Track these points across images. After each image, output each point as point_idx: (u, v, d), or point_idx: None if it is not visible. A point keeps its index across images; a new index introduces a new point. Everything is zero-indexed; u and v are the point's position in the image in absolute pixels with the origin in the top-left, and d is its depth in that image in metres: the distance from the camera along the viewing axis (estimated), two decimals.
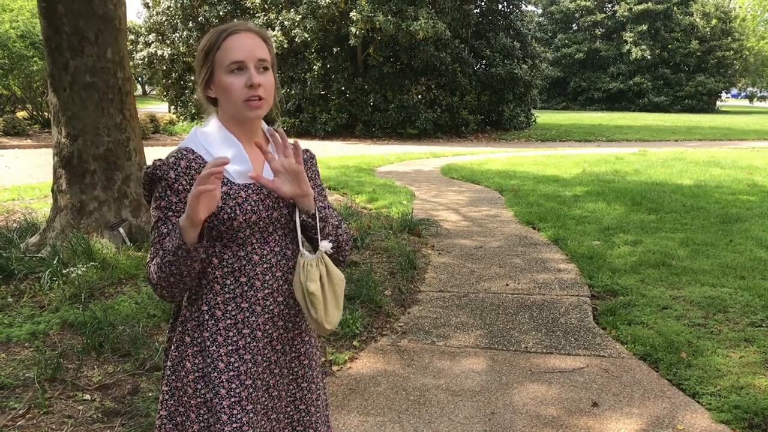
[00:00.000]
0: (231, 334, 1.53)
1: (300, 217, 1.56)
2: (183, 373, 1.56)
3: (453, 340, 3.86)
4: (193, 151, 1.53)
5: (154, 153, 9.42)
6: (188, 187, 1.49)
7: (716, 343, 3.74)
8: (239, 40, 1.50)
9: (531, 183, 10.05)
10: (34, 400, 2.94)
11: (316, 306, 1.52)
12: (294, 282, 1.56)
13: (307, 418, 1.68)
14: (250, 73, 1.48)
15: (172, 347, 1.60)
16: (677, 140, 20.85)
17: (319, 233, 1.57)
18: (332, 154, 14.59)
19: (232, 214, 1.49)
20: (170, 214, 1.49)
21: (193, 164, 1.51)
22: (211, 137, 1.55)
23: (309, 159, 1.71)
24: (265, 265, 1.54)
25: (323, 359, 3.53)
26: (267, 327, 1.57)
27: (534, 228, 6.97)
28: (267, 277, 1.54)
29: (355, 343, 3.78)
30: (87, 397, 3.03)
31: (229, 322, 1.53)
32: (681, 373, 3.37)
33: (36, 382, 3.09)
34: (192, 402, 1.54)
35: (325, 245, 1.55)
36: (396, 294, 4.67)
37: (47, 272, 4.41)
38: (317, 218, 1.57)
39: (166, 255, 1.44)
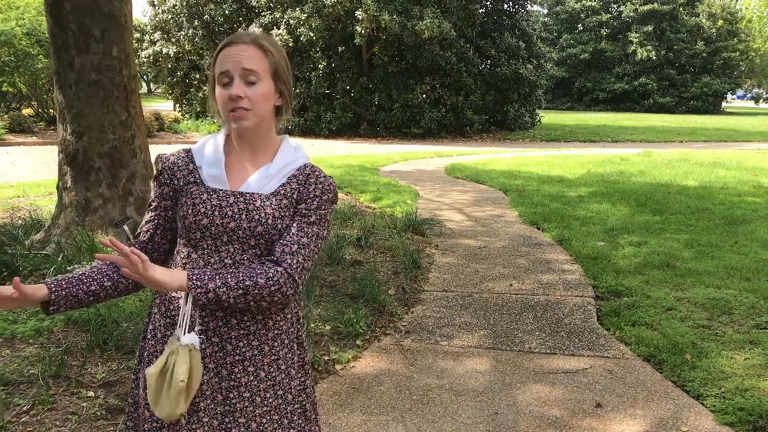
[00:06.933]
0: (158, 335, 1.57)
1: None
2: (138, 386, 1.60)
3: (456, 340, 3.86)
4: (189, 151, 1.59)
5: (159, 151, 9.40)
6: (168, 181, 1.55)
7: (721, 345, 3.72)
8: (230, 51, 1.49)
9: (535, 183, 10.03)
10: (38, 397, 2.95)
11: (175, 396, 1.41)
12: (157, 363, 1.44)
13: None
14: (233, 83, 1.48)
15: (136, 359, 1.64)
16: (682, 141, 20.80)
17: (184, 323, 1.44)
18: (336, 153, 14.60)
19: (186, 213, 1.50)
20: (154, 203, 1.58)
21: (179, 162, 1.56)
22: (206, 142, 1.60)
23: (318, 196, 1.63)
24: None
25: (327, 358, 3.52)
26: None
27: (538, 228, 6.95)
28: None
29: (358, 342, 3.78)
30: (91, 393, 3.04)
31: (160, 322, 1.57)
32: (685, 375, 3.36)
33: (40, 378, 3.10)
34: (144, 415, 1.54)
35: (191, 338, 1.43)
36: (399, 293, 4.67)
37: (52, 269, 4.42)
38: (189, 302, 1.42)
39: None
